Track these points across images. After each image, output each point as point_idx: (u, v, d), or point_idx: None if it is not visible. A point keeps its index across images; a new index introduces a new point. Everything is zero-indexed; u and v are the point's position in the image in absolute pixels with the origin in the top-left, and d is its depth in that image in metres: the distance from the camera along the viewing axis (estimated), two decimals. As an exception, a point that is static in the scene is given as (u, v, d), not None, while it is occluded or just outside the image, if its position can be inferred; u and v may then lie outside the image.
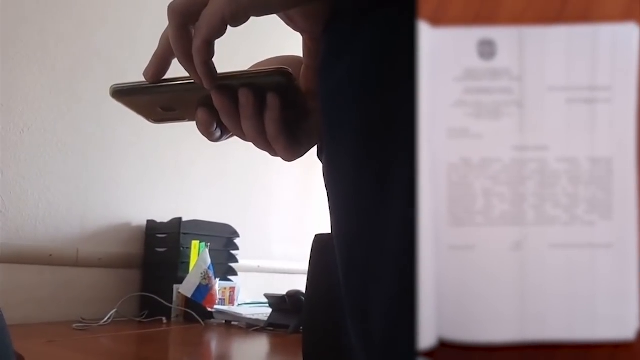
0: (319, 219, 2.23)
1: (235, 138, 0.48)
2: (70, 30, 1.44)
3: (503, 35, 0.27)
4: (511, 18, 0.27)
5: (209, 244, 1.47)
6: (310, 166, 2.29)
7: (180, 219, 1.49)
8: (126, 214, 1.55)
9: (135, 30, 1.62)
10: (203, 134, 0.47)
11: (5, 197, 1.29)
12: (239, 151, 1.89)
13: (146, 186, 1.61)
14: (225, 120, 0.44)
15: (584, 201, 0.26)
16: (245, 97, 0.42)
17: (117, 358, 1.00)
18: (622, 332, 0.26)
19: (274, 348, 1.19)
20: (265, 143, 0.45)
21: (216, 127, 0.46)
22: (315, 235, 0.76)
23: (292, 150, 0.46)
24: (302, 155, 0.48)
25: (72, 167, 1.43)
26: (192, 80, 0.42)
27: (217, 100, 0.43)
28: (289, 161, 0.48)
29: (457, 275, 0.27)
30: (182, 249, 1.48)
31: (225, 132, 0.47)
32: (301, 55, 0.48)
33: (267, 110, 0.43)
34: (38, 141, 1.36)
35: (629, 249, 0.26)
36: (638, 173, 0.26)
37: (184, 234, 1.48)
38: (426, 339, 0.27)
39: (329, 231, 0.78)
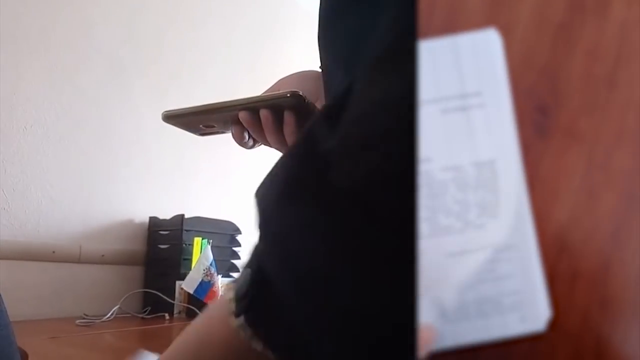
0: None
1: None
2: (71, 27, 1.45)
3: None
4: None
5: (211, 240, 1.48)
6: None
7: (183, 215, 1.49)
8: (129, 211, 1.55)
9: (139, 28, 1.62)
10: (238, 144, 0.59)
11: (8, 194, 1.30)
12: (241, 149, 1.90)
13: (149, 183, 1.62)
14: (253, 135, 0.56)
15: (474, 206, 0.27)
16: (264, 117, 0.54)
17: (120, 354, 1.01)
18: (533, 325, 0.27)
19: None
20: (286, 150, 0.53)
21: (248, 138, 0.58)
22: None
23: None
24: None
25: (75, 164, 1.44)
26: (223, 105, 0.56)
27: (243, 120, 0.55)
28: None
29: None
30: (184, 245, 1.48)
31: (256, 142, 0.59)
32: (317, 70, 0.58)
33: (285, 125, 0.53)
34: (40, 138, 1.37)
35: (528, 244, 0.27)
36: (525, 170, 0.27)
37: (187, 230, 1.49)
38: None
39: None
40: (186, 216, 1.49)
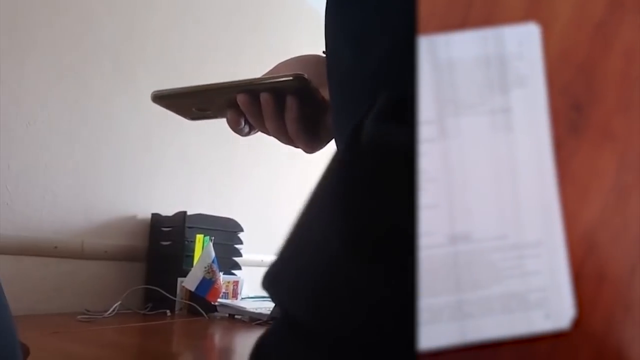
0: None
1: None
2: (78, 23, 1.45)
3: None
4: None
5: (213, 237, 1.48)
6: (313, 161, 2.28)
7: (185, 212, 1.49)
8: (131, 207, 1.55)
9: (144, 23, 1.62)
10: (233, 131, 0.54)
11: (12, 189, 1.30)
12: (244, 146, 1.90)
13: (152, 179, 1.62)
14: (251, 120, 0.51)
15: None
16: (265, 101, 0.49)
17: (121, 350, 1.01)
18: (558, 322, 0.27)
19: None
20: (287, 139, 0.52)
21: (244, 124, 0.53)
22: None
23: (312, 144, 0.52)
24: (322, 148, 0.54)
25: (78, 160, 1.44)
26: (220, 86, 0.50)
27: (242, 103, 0.49)
28: (310, 154, 0.54)
29: None
30: (186, 242, 1.48)
31: (252, 128, 0.54)
32: (321, 54, 0.54)
33: (286, 111, 0.49)
34: (44, 134, 1.37)
35: (556, 241, 0.27)
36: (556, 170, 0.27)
37: (189, 227, 1.49)
38: None
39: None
40: (189, 213, 1.49)
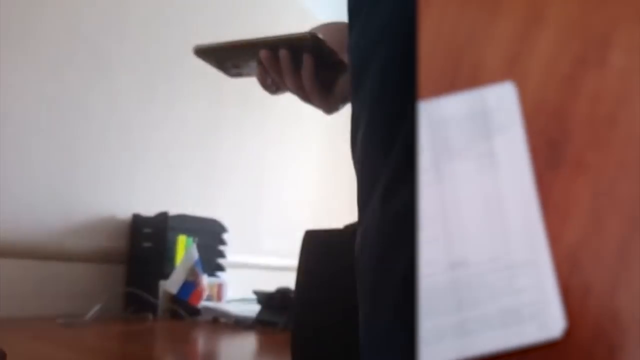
0: (309, 215, 2.21)
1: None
2: (55, 16, 1.41)
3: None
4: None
5: (196, 239, 1.46)
6: (300, 161, 2.27)
7: (167, 213, 1.46)
8: (112, 208, 1.52)
9: (123, 17, 1.59)
10: (262, 87, 0.61)
11: (-13, 189, 1.26)
12: (228, 145, 1.87)
13: (133, 179, 1.59)
14: (272, 75, 0.57)
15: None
16: (283, 56, 0.55)
17: (102, 355, 0.98)
18: (550, 333, 0.30)
19: (262, 345, 1.18)
20: (304, 95, 0.58)
21: (271, 82, 0.59)
22: (306, 231, 0.75)
23: (327, 103, 0.58)
24: (338, 109, 0.60)
25: (56, 158, 1.40)
26: (246, 42, 0.57)
27: (264, 58, 0.56)
28: (328, 114, 0.60)
29: None
30: (168, 244, 1.46)
31: (279, 89, 0.60)
32: (345, 22, 0.60)
33: (303, 68, 0.55)
34: (20, 131, 1.33)
35: (543, 260, 0.31)
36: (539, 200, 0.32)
37: (171, 228, 1.46)
38: None
39: (319, 227, 0.78)
40: (170, 213, 1.47)
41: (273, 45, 0.55)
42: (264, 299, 1.34)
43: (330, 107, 0.59)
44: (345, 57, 0.54)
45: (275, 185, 2.12)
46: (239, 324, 1.33)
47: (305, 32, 0.54)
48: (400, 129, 0.36)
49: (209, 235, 1.58)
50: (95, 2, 1.51)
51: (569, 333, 0.30)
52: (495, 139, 0.33)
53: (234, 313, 1.37)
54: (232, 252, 1.67)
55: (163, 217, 1.47)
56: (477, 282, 0.31)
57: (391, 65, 0.38)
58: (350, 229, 0.74)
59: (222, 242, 1.62)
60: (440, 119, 0.34)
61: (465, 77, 0.33)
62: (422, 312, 0.31)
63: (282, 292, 1.29)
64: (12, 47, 1.32)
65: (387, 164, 0.37)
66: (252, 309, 1.36)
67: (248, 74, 0.63)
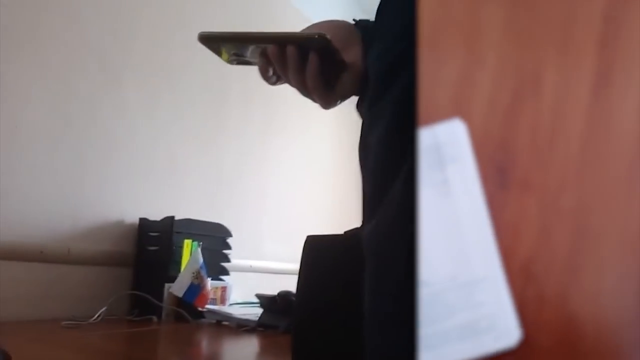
0: (313, 221, 2.23)
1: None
2: (63, 24, 1.44)
3: None
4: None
5: (201, 243, 1.47)
6: (303, 167, 2.29)
7: (173, 217, 1.48)
8: (119, 212, 1.54)
9: (131, 24, 1.61)
10: (262, 78, 0.62)
11: (-3, 194, 1.28)
12: (233, 151, 1.89)
13: (139, 183, 1.61)
14: (278, 70, 0.59)
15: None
16: (290, 53, 0.57)
17: (107, 357, 1.00)
18: (506, 342, 0.33)
19: (264, 348, 1.19)
20: (306, 91, 0.59)
21: (272, 74, 0.61)
22: (307, 237, 0.76)
23: (327, 99, 0.60)
24: (336, 104, 0.62)
25: (64, 163, 1.43)
26: (256, 36, 0.59)
27: (271, 53, 0.58)
28: (325, 109, 0.62)
29: None
30: (174, 247, 1.47)
31: (279, 79, 0.61)
32: (349, 21, 0.64)
33: (307, 66, 0.57)
34: (30, 137, 1.36)
35: (497, 276, 0.33)
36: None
37: (177, 232, 1.48)
38: None
39: (321, 232, 0.79)
40: (177, 218, 1.48)
41: (281, 41, 0.57)
42: (266, 302, 1.35)
43: (329, 102, 0.61)
44: (347, 55, 0.58)
45: (279, 190, 2.13)
46: (241, 327, 1.34)
47: (314, 32, 0.56)
48: None
49: (214, 240, 1.60)
50: (104, 10, 1.54)
51: (528, 341, 0.33)
52: (449, 168, 0.36)
53: (236, 316, 1.38)
54: (236, 256, 1.69)
55: (169, 221, 1.49)
56: (437, 300, 0.34)
57: None
58: (350, 235, 0.75)
59: (227, 246, 1.64)
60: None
61: (424, 116, 0.37)
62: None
63: (283, 296, 1.30)
64: (23, 58, 1.34)
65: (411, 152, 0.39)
66: (255, 313, 1.38)
67: (248, 64, 0.65)
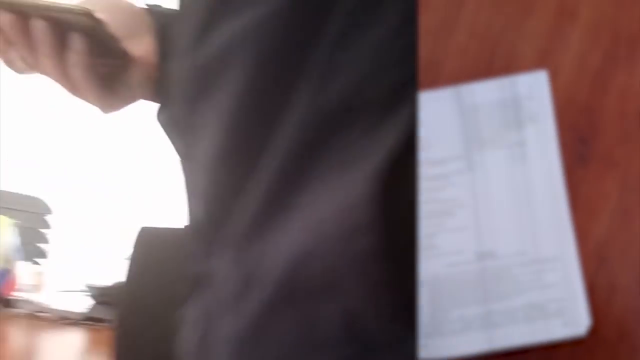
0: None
1: None
2: None
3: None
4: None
5: (16, 220, 1.27)
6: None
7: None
8: None
9: None
10: (4, 62, 0.45)
11: None
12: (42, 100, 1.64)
13: None
14: (21, 51, 0.42)
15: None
16: (38, 30, 0.40)
17: None
18: (575, 330, 0.32)
19: (91, 344, 1.07)
20: (72, 88, 0.44)
21: (18, 58, 0.44)
22: (141, 228, 0.71)
23: (106, 102, 0.45)
24: (120, 109, 0.47)
25: None
26: None
27: (7, 25, 0.40)
28: (105, 113, 0.46)
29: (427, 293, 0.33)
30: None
31: (32, 68, 0.45)
32: (140, 5, 0.49)
33: (71, 52, 0.41)
34: None
35: (570, 256, 0.32)
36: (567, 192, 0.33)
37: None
38: None
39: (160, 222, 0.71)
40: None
41: (25, 10, 0.40)
42: (98, 293, 1.21)
43: (109, 105, 0.46)
44: (132, 47, 0.44)
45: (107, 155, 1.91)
46: (63, 320, 1.17)
47: (77, 6, 0.41)
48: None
49: (30, 216, 1.40)
50: None
51: (594, 329, 0.31)
52: (527, 128, 0.34)
53: (57, 307, 1.21)
54: (58, 237, 1.49)
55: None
56: (504, 274, 0.32)
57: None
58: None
59: (46, 225, 1.44)
60: (473, 106, 0.34)
61: (499, 66, 0.34)
62: (450, 301, 0.32)
63: (118, 287, 1.17)
64: None
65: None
66: (80, 302, 1.22)
67: None
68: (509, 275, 0.32)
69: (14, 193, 1.35)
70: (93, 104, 0.45)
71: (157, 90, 0.45)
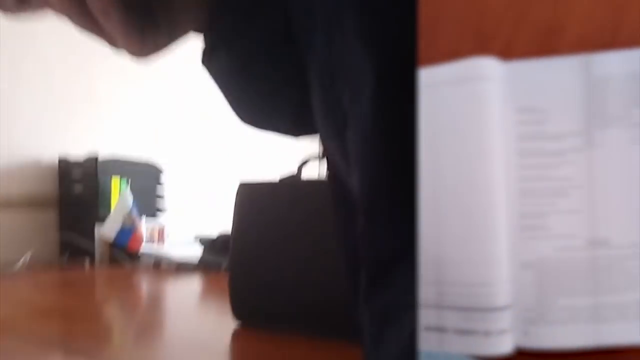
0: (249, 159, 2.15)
1: None
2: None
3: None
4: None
5: (130, 182, 1.38)
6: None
7: (96, 157, 1.37)
8: (35, 150, 1.41)
9: None
10: None
11: None
12: (160, 77, 1.74)
13: (57, 120, 1.47)
14: None
15: None
16: None
17: (36, 307, 0.93)
18: None
19: (205, 288, 1.16)
20: (88, 21, 0.30)
21: None
22: (240, 184, 0.74)
23: (137, 38, 0.31)
24: (160, 50, 0.34)
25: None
26: None
27: None
28: (138, 56, 0.33)
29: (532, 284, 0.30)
30: (101, 187, 1.36)
31: (28, 5, 0.31)
32: None
33: None
34: None
35: None
36: None
37: (102, 172, 1.36)
38: (504, 346, 0.30)
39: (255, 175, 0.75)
40: (101, 155, 1.37)
41: None
42: (206, 242, 1.31)
43: (140, 45, 0.32)
44: None
45: (215, 122, 2.03)
46: (180, 268, 1.30)
47: None
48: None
49: (145, 176, 1.49)
50: None
51: None
52: None
53: (175, 257, 1.33)
54: (171, 194, 1.61)
55: (92, 162, 1.37)
56: (617, 266, 0.29)
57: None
58: (285, 182, 0.73)
59: (159, 182, 1.54)
60: (602, 77, 0.31)
61: (625, 36, 0.30)
62: (556, 288, 0.30)
63: (223, 236, 1.26)
64: None
65: None
66: (194, 254, 1.33)
67: None
68: (622, 267, 0.29)
69: (128, 161, 1.44)
70: (121, 43, 0.32)
71: (211, 19, 0.33)
